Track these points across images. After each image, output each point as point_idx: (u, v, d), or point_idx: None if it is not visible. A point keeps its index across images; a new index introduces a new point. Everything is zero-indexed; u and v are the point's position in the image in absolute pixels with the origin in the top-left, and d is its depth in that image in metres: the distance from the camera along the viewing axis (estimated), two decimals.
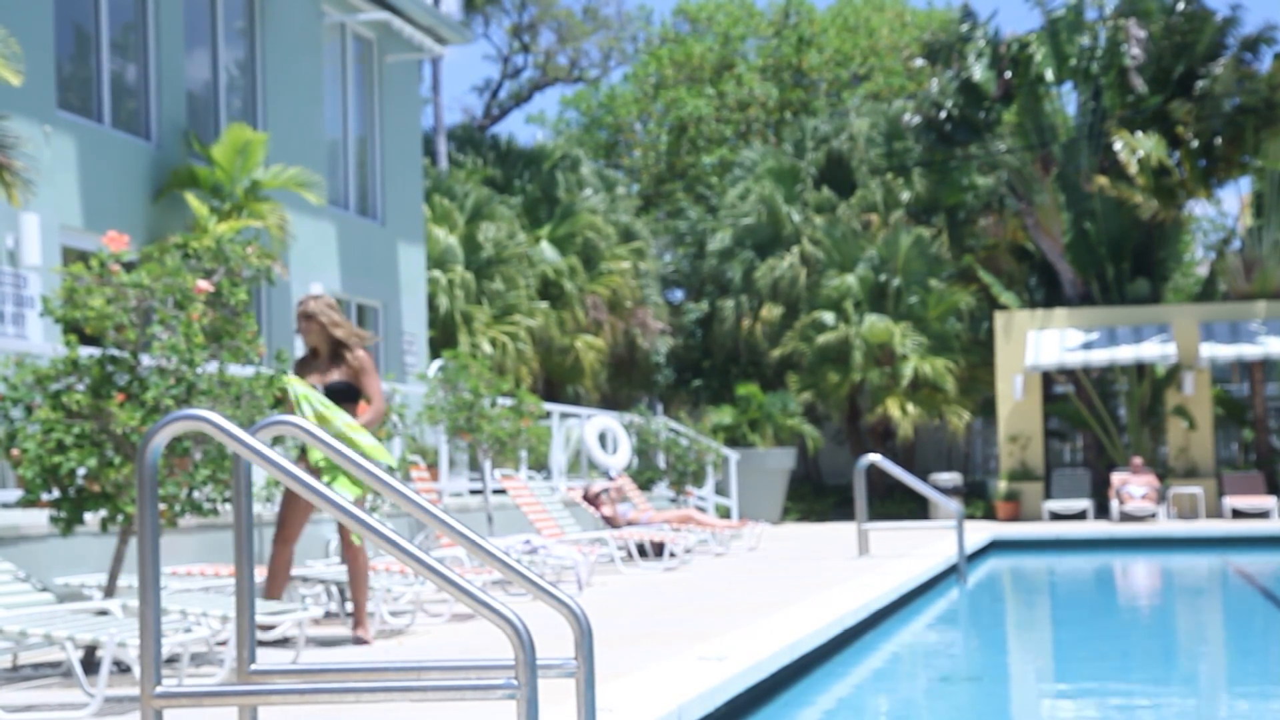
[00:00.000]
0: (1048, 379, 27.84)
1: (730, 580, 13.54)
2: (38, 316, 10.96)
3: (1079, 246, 27.57)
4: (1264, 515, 23.87)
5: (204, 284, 8.28)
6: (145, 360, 8.06)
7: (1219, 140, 26.35)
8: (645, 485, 21.14)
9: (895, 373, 27.22)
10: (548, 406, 18.50)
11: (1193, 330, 25.76)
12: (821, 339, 27.58)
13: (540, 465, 20.76)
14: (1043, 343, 25.98)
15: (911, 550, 16.77)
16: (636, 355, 29.78)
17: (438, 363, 15.42)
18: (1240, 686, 9.22)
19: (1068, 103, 28.66)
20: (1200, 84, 26.23)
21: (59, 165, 15.11)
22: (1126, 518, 23.76)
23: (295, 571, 9.68)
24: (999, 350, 26.40)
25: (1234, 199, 45.73)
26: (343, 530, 9.24)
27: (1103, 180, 26.08)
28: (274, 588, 9.04)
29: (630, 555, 16.22)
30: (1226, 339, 25.37)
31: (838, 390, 27.70)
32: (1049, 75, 27.37)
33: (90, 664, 7.64)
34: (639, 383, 30.99)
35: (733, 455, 24.18)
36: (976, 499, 27.25)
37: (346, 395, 9.09)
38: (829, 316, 27.88)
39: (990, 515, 26.14)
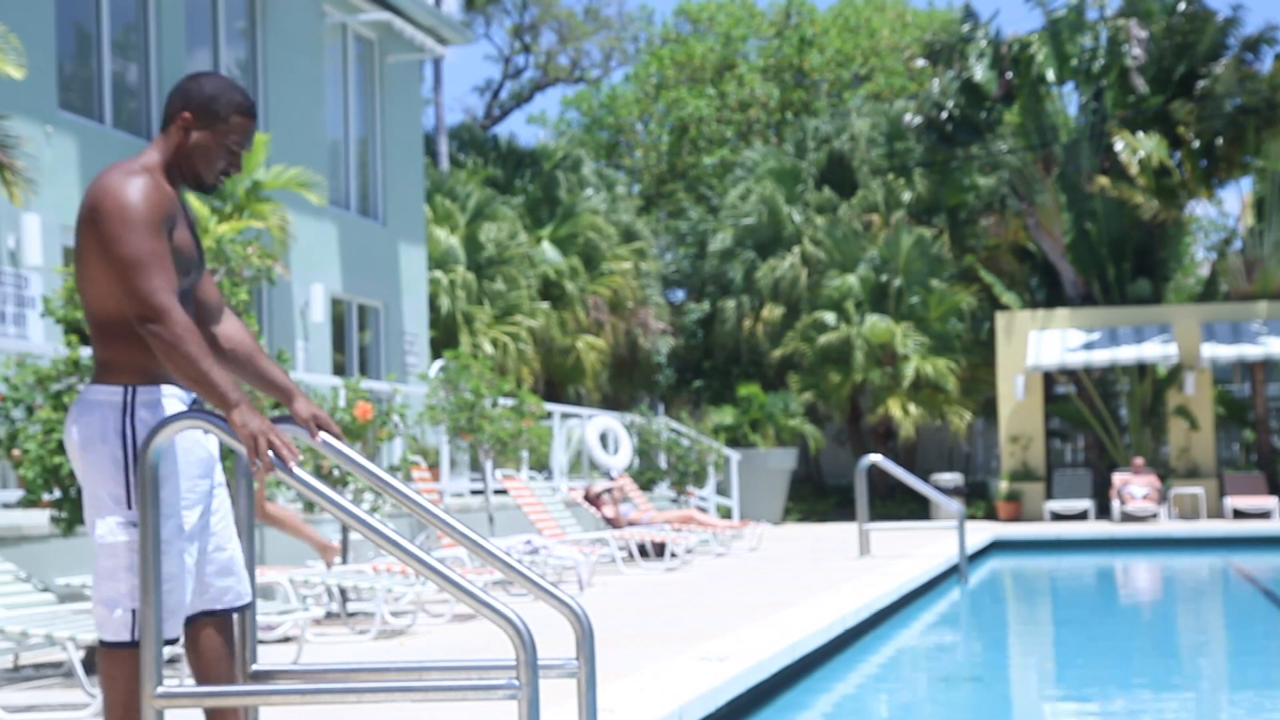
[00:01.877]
0: (1049, 379, 27.82)
1: (731, 581, 13.54)
2: (39, 317, 10.97)
3: (1080, 247, 27.56)
4: (1265, 515, 23.85)
5: None
6: None
7: (1220, 140, 26.33)
8: (646, 485, 21.14)
9: (896, 373, 27.21)
10: (549, 407, 18.50)
11: (1194, 330, 25.75)
12: (823, 339, 27.57)
13: (541, 466, 20.76)
14: (1044, 343, 25.97)
15: (913, 550, 16.76)
16: (638, 355, 29.77)
17: (439, 363, 15.42)
18: (1242, 687, 9.21)
19: (1069, 103, 28.65)
20: (1201, 84, 26.21)
21: (60, 165, 15.11)
22: (1128, 518, 23.75)
23: (296, 573, 9.66)
24: (1000, 350, 26.39)
25: (1235, 199, 45.74)
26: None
27: (1104, 180, 26.06)
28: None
29: (631, 555, 16.22)
30: (1228, 339, 25.35)
31: (839, 390, 27.69)
32: (1050, 75, 27.35)
33: (92, 664, 7.63)
34: (640, 383, 30.98)
35: (734, 455, 24.17)
36: (978, 499, 27.24)
37: None
38: (830, 317, 27.86)
39: (991, 515, 26.13)
